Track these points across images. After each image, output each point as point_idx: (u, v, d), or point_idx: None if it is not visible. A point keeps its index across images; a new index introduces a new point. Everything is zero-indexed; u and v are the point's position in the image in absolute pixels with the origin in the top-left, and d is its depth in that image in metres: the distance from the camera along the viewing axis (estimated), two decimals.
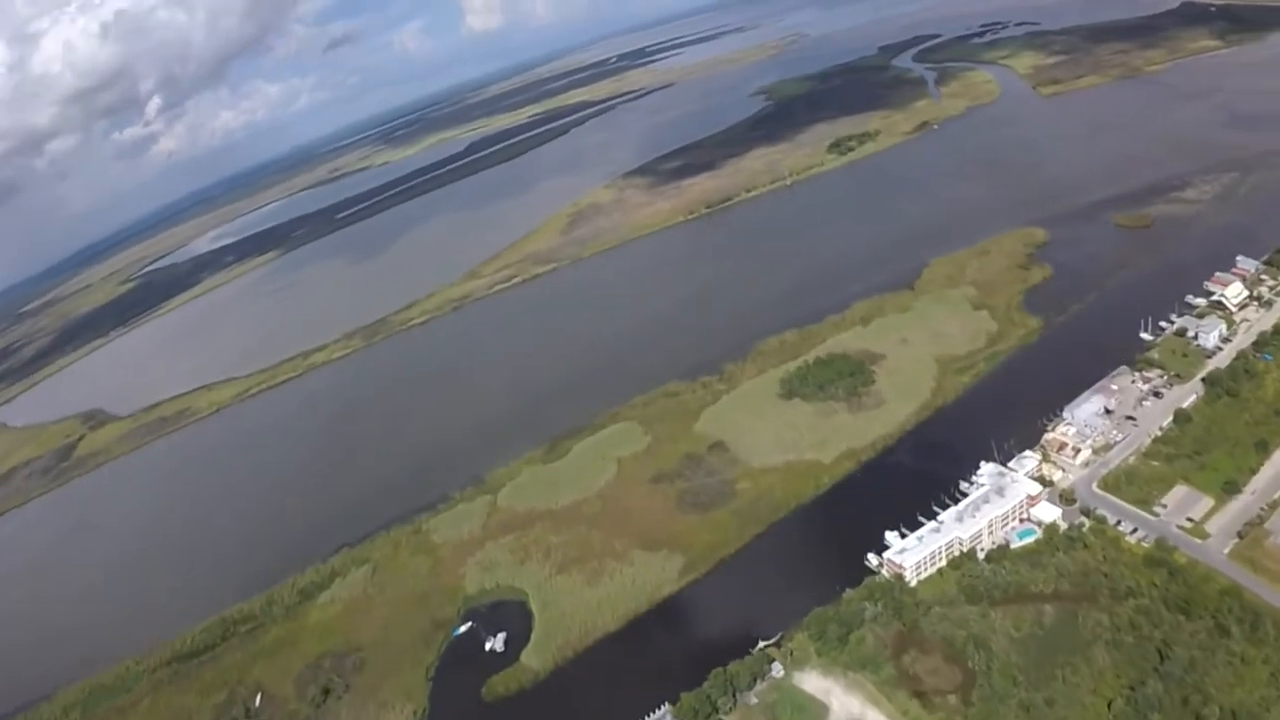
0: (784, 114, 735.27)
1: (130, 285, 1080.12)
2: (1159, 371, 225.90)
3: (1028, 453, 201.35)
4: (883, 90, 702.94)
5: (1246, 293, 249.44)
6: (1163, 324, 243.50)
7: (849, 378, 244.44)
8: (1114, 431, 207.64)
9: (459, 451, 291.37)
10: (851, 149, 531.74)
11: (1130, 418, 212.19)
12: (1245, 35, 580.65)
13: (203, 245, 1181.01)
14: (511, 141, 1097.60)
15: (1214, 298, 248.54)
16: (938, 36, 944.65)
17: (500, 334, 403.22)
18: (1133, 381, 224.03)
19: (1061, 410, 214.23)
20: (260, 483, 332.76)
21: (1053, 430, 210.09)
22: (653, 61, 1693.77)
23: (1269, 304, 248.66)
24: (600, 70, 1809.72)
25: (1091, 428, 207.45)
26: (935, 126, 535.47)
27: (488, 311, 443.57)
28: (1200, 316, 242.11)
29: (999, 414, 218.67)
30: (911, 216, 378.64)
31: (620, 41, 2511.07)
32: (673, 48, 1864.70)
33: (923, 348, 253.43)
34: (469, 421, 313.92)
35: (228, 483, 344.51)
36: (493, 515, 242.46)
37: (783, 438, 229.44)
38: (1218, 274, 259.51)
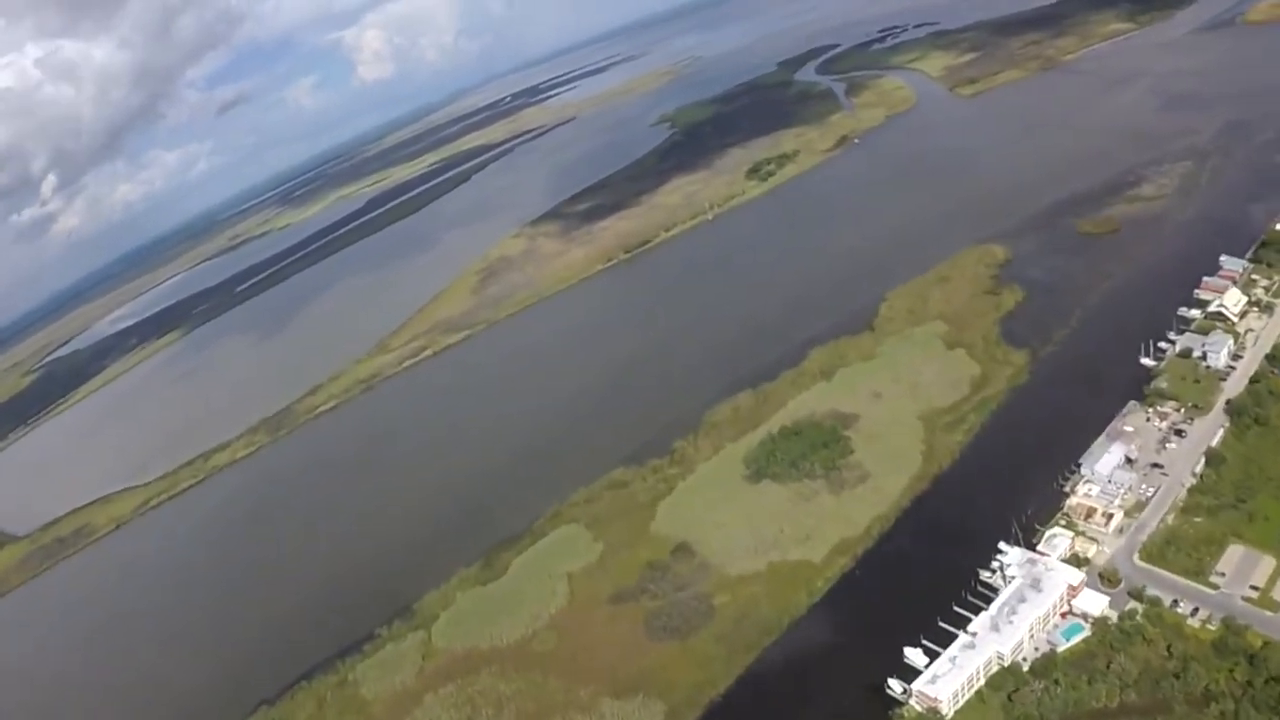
0: (692, 141, 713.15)
1: (32, 378, 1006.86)
2: (1174, 404, 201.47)
3: (1056, 530, 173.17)
4: (792, 106, 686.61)
5: (1245, 299, 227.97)
6: (1162, 345, 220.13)
7: (824, 449, 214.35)
8: (1143, 485, 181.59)
9: (381, 571, 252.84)
10: (772, 173, 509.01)
11: (1157, 465, 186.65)
12: (1154, 14, 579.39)
13: (105, 328, 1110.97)
14: (412, 194, 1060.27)
15: (1212, 308, 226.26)
16: (836, 46, 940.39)
17: (415, 420, 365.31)
18: (1148, 420, 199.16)
19: (1077, 464, 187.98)
20: (162, 623, 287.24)
21: (1073, 491, 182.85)
22: (547, 98, 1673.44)
23: (1269, 308, 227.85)
24: (495, 111, 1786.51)
25: (1118, 484, 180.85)
26: (856, 140, 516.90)
27: (399, 392, 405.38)
28: (1203, 332, 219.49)
29: (1006, 477, 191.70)
30: (853, 244, 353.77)
31: (512, 80, 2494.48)
32: (565, 82, 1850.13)
33: (900, 402, 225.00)
34: (389, 532, 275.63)
35: (126, 623, 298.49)
36: (429, 658, 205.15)
37: (759, 533, 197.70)
38: (1206, 279, 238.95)
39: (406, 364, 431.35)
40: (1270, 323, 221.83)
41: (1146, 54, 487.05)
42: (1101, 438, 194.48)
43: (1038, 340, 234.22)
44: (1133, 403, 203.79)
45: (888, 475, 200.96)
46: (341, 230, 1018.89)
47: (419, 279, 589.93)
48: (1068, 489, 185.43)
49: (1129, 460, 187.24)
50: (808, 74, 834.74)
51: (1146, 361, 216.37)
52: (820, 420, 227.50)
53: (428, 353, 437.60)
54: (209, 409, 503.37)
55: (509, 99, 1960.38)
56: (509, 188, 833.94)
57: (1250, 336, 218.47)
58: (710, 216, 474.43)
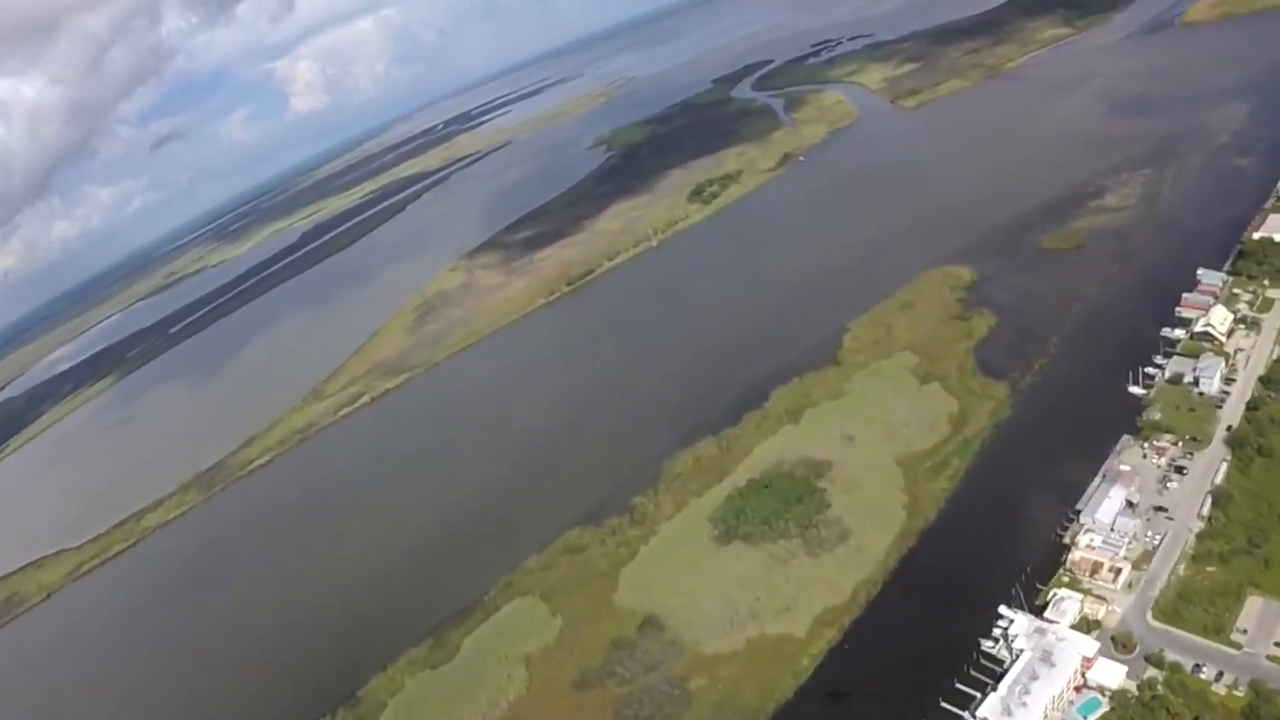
0: (630, 164, 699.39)
1: None
2: (1170, 437, 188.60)
3: (1062, 592, 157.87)
4: (731, 125, 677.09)
5: (1231, 316, 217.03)
6: (1149, 370, 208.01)
7: (797, 504, 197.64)
8: (1148, 533, 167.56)
9: (322, 650, 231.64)
10: (715, 195, 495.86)
11: (1160, 509, 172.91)
12: (1090, 19, 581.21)
13: (41, 372, 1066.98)
14: (347, 226, 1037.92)
15: (1197, 328, 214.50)
16: (770, 62, 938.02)
17: (353, 476, 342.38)
18: (1145, 456, 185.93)
19: (1075, 511, 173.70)
20: (95, 704, 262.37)
21: (1074, 543, 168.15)
22: (481, 123, 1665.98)
23: (1255, 324, 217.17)
24: (429, 138, 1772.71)
25: (1121, 533, 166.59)
26: (801, 158, 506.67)
27: (336, 443, 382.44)
28: (1191, 354, 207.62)
29: (1000, 529, 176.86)
30: (808, 270, 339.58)
31: (445, 107, 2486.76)
32: (499, 107, 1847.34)
33: (876, 446, 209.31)
34: (329, 604, 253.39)
35: (64, 702, 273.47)
36: None
37: (733, 604, 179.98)
38: (1186, 296, 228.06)
39: (343, 412, 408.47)
40: (1259, 341, 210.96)
41: (1089, 59, 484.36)
42: (1098, 479, 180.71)
43: (1016, 370, 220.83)
44: (1126, 437, 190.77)
45: (870, 532, 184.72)
46: (275, 266, 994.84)
47: (354, 317, 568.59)
48: (1067, 540, 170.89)
49: (1130, 504, 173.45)
50: (744, 91, 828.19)
51: (1135, 390, 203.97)
52: (791, 470, 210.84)
53: (365, 399, 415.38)
54: (142, 462, 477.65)
55: (442, 126, 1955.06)
56: (445, 217, 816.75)
57: (1241, 357, 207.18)
58: (654, 243, 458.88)
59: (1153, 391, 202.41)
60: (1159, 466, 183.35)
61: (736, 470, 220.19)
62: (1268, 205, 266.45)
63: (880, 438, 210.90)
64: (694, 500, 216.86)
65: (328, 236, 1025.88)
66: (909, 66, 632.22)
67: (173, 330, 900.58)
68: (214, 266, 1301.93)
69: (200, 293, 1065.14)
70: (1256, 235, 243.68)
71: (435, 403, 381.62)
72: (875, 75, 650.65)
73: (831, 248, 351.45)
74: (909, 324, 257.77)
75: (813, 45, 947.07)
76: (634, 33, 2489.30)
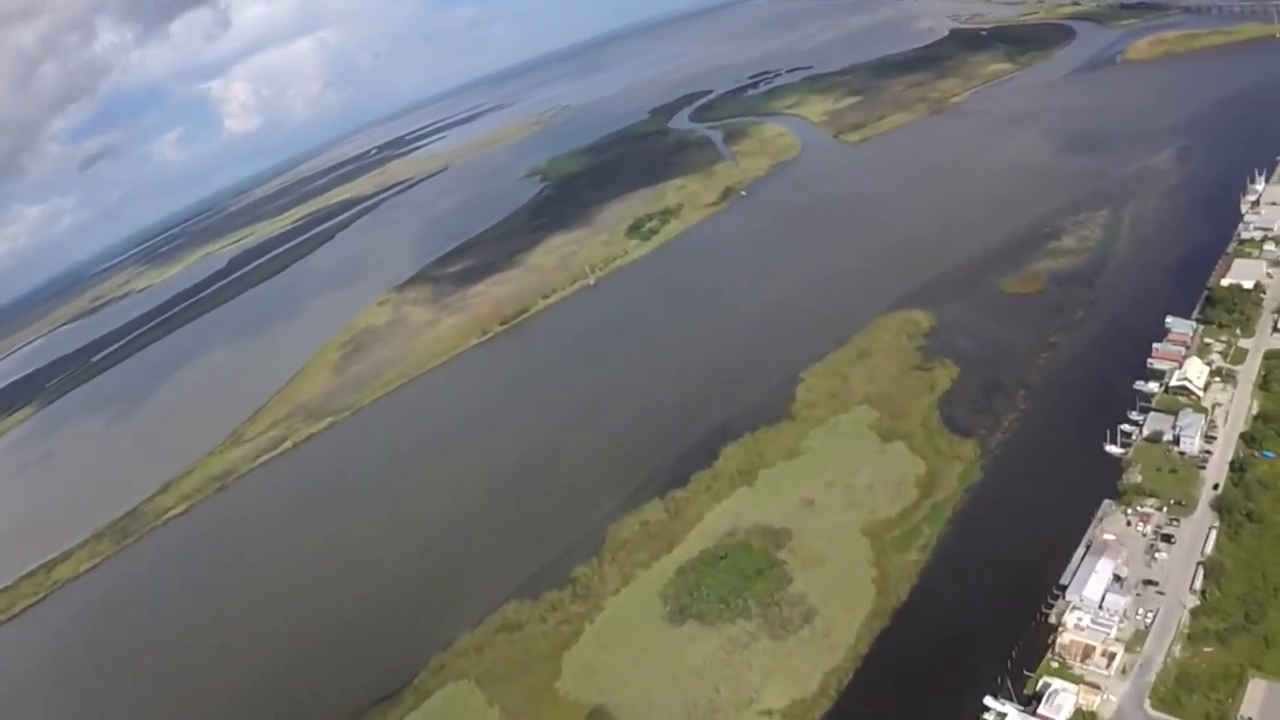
0: (566, 196, 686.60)
1: None
2: (1153, 502, 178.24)
3: (1055, 683, 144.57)
4: (669, 157, 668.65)
5: (1207, 369, 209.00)
6: (1125, 427, 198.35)
7: (757, 579, 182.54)
8: (1139, 610, 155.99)
9: None
10: (655, 231, 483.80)
11: (1150, 582, 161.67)
12: (1032, 54, 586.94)
13: None
14: (275, 253, 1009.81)
15: (1174, 381, 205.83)
16: (709, 93, 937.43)
17: (272, 533, 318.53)
18: (1128, 523, 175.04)
19: (1060, 587, 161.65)
20: None
21: (1061, 623, 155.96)
22: (414, 149, 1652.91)
23: (1230, 377, 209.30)
24: (362, 163, 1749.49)
25: (1111, 611, 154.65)
26: (743, 193, 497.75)
27: (256, 493, 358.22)
28: (1168, 410, 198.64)
29: (979, 607, 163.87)
30: (754, 313, 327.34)
31: (379, 131, 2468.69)
32: (433, 132, 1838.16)
33: (839, 513, 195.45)
34: (242, 684, 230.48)
35: None
36: None
37: (690, 696, 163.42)
38: (1156, 347, 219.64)
39: (264, 458, 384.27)
40: (1236, 395, 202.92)
41: (1034, 94, 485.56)
42: (1081, 550, 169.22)
43: (985, 427, 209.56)
44: (1108, 503, 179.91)
45: (837, 611, 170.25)
46: (202, 294, 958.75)
47: (278, 352, 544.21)
48: (1053, 619, 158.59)
49: (1118, 578, 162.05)
50: (682, 122, 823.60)
51: (1112, 449, 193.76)
52: (747, 539, 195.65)
53: (287, 444, 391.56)
54: (56, 505, 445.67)
55: (375, 150, 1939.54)
56: (376, 246, 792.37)
57: (1220, 413, 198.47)
58: (591, 281, 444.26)
59: (1131, 451, 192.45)
60: (1145, 535, 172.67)
61: (687, 538, 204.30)
62: (1230, 249, 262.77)
63: (843, 503, 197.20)
64: (642, 572, 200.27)
65: (256, 263, 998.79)
66: (850, 100, 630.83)
67: (95, 359, 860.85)
68: (141, 291, 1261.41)
69: (125, 319, 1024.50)
70: (1225, 281, 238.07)
71: (360, 452, 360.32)
72: (816, 108, 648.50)
73: (780, 289, 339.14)
74: (866, 374, 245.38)
75: (750, 76, 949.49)
76: (569, 61, 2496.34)
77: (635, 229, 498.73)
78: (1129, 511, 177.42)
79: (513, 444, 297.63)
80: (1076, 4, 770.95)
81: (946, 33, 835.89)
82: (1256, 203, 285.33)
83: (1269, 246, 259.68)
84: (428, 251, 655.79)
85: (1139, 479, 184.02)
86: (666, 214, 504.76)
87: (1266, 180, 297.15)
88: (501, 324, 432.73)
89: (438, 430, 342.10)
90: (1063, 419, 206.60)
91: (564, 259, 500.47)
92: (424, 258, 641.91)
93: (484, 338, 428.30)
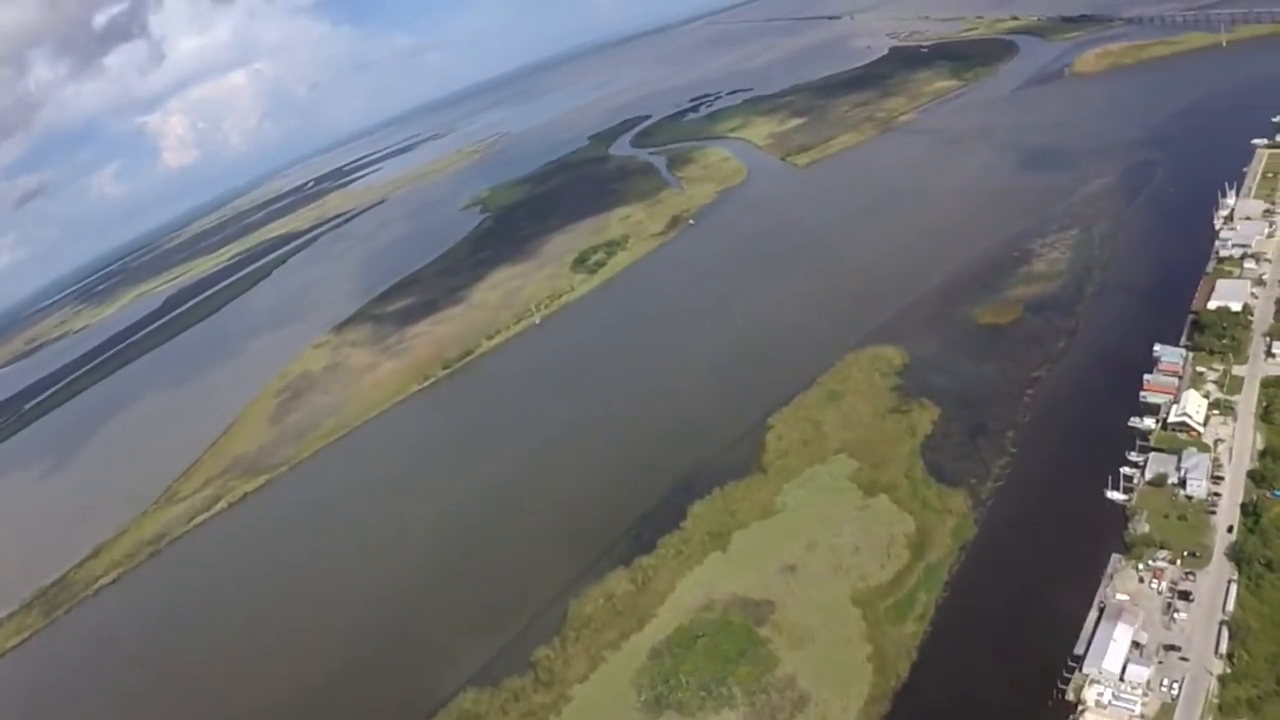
0: (507, 227, 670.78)
1: None
2: (1165, 554, 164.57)
3: None
4: (612, 184, 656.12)
5: (1206, 402, 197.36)
6: (1126, 470, 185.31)
7: (739, 661, 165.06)
8: (1163, 680, 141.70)
9: None
10: (601, 264, 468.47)
11: (1172, 647, 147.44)
12: (976, 70, 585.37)
13: None
14: (211, 291, 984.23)
15: (1172, 417, 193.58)
16: (648, 117, 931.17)
17: (207, 604, 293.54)
18: (1141, 580, 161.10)
19: (1076, 658, 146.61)
20: None
21: (1081, 700, 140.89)
22: (352, 181, 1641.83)
23: (1229, 409, 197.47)
24: (300, 196, 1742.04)
25: (1135, 684, 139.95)
26: (691, 221, 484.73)
27: (190, 560, 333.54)
28: (1170, 449, 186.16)
29: (988, 684, 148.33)
30: (711, 352, 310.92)
31: (317, 163, 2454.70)
32: (372, 163, 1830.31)
33: (824, 580, 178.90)
34: None
35: None
36: None
37: None
38: (1148, 379, 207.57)
39: (198, 520, 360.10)
40: (1239, 429, 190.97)
41: (984, 111, 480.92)
42: (1094, 614, 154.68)
43: (974, 475, 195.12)
44: (1116, 557, 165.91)
45: (831, 697, 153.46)
46: (137, 335, 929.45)
47: (213, 400, 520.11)
48: (1071, 694, 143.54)
49: (1137, 645, 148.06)
50: (623, 148, 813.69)
51: (1114, 496, 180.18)
52: (725, 614, 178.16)
53: (222, 504, 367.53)
54: None
55: (313, 183, 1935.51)
56: (313, 284, 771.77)
57: (1223, 450, 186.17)
58: (537, 319, 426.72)
59: (1134, 497, 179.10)
60: (1160, 593, 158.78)
61: (658, 614, 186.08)
62: (1210, 269, 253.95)
63: (828, 568, 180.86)
64: (611, 654, 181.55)
65: (192, 302, 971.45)
66: (795, 121, 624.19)
67: (27, 406, 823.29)
68: (78, 332, 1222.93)
69: (59, 363, 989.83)
70: (1211, 304, 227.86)
71: (298, 513, 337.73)
72: (761, 130, 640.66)
73: (738, 325, 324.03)
74: (840, 419, 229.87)
75: (690, 100, 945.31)
76: (505, 88, 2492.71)
77: (581, 262, 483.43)
78: (1140, 567, 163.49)
79: (459, 504, 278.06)
80: (1016, 18, 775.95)
81: (886, 51, 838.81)
82: (1229, 217, 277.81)
83: (1249, 264, 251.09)
84: (366, 288, 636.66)
85: (1147, 529, 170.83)
86: (613, 245, 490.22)
87: (1237, 194, 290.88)
88: (444, 368, 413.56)
89: (380, 488, 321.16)
90: (1057, 463, 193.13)
91: (508, 295, 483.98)
92: (363, 295, 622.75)
93: (426, 383, 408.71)
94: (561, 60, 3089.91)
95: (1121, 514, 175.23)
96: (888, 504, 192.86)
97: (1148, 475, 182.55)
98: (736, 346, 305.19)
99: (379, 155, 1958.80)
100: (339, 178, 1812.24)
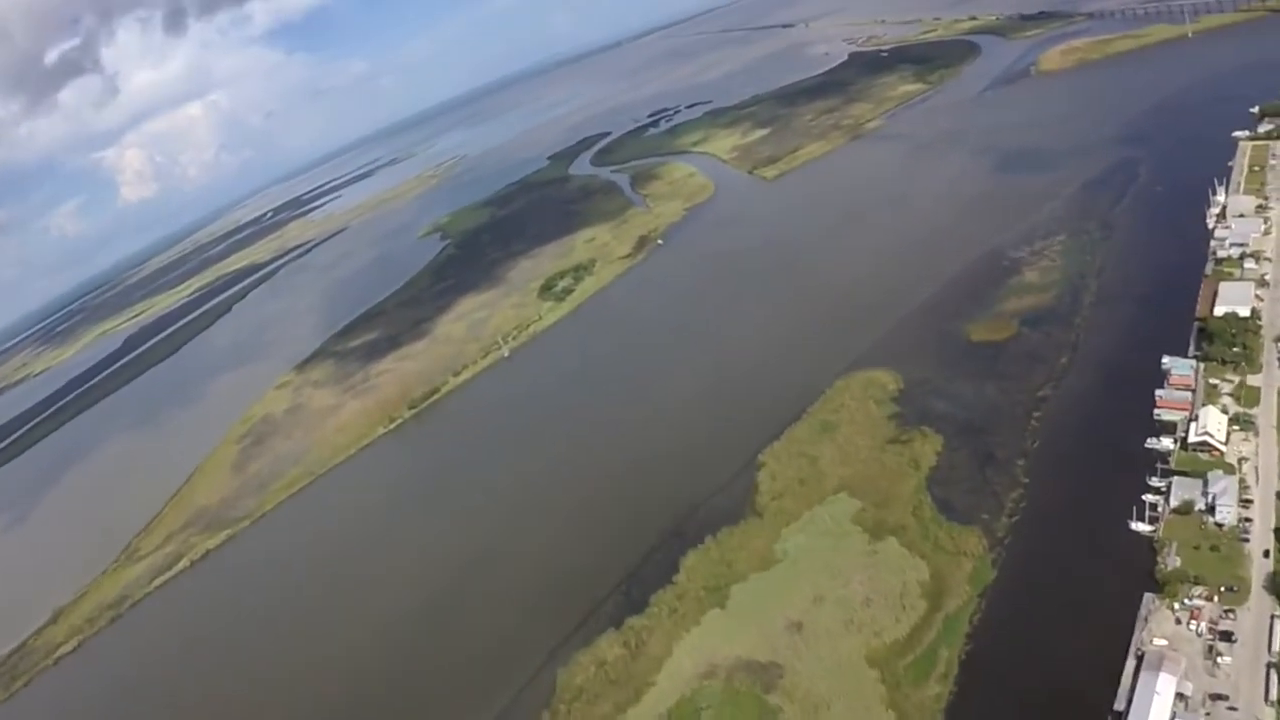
0: (470, 254, 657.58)
1: None
2: (1200, 590, 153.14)
3: None
4: (575, 205, 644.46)
5: (1225, 417, 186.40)
6: (1149, 498, 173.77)
7: None
8: None
9: None
10: (569, 290, 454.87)
11: (1219, 696, 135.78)
12: (940, 73, 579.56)
13: None
14: (172, 330, 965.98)
15: (1194, 437, 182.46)
16: (608, 134, 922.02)
17: (169, 672, 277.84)
18: (1178, 621, 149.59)
19: (1117, 715, 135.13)
20: None
21: None
22: (311, 210, 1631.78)
23: (1249, 424, 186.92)
24: (260, 227, 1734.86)
25: None
26: (659, 241, 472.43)
27: (152, 625, 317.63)
28: (1192, 471, 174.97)
29: None
30: (691, 382, 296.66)
31: (276, 192, 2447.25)
32: (330, 191, 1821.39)
33: (835, 638, 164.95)
34: None
35: None
36: None
37: None
38: (1160, 394, 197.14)
39: (160, 580, 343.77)
40: (1262, 446, 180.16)
41: (954, 114, 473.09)
42: (1131, 663, 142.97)
43: (987, 510, 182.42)
44: (1149, 597, 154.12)
45: None
46: (97, 378, 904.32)
47: (174, 447, 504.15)
48: None
49: (1182, 696, 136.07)
50: (584, 167, 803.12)
51: (1139, 527, 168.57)
52: (730, 681, 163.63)
53: (184, 563, 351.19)
54: None
55: (272, 213, 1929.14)
56: (274, 319, 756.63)
57: (1249, 469, 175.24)
58: (505, 353, 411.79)
59: (1161, 527, 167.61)
60: (1200, 634, 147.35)
61: (656, 681, 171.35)
62: (1209, 271, 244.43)
63: (838, 625, 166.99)
64: None
65: (153, 341, 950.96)
66: (760, 132, 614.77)
67: None
68: (38, 375, 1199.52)
69: (19, 409, 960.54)
70: (1217, 310, 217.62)
71: (261, 574, 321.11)
72: (725, 143, 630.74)
73: (717, 352, 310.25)
74: (837, 453, 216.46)
75: (649, 115, 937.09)
76: (461, 110, 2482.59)
77: (548, 289, 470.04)
78: (1176, 607, 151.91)
79: (432, 561, 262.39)
80: (975, 18, 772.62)
81: (845, 57, 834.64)
82: (1222, 214, 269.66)
83: (1249, 264, 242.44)
84: (328, 323, 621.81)
85: (1178, 562, 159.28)
86: (580, 270, 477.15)
87: (1226, 190, 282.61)
88: (410, 408, 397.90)
89: (346, 545, 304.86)
90: (1074, 493, 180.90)
91: (473, 327, 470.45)
92: (324, 330, 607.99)
93: (392, 425, 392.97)
94: (517, 80, 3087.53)
95: (1149, 547, 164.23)
96: (897, 548, 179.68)
97: (1173, 502, 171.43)
98: (718, 376, 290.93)
99: (338, 182, 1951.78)
100: (298, 207, 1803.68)
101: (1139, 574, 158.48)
